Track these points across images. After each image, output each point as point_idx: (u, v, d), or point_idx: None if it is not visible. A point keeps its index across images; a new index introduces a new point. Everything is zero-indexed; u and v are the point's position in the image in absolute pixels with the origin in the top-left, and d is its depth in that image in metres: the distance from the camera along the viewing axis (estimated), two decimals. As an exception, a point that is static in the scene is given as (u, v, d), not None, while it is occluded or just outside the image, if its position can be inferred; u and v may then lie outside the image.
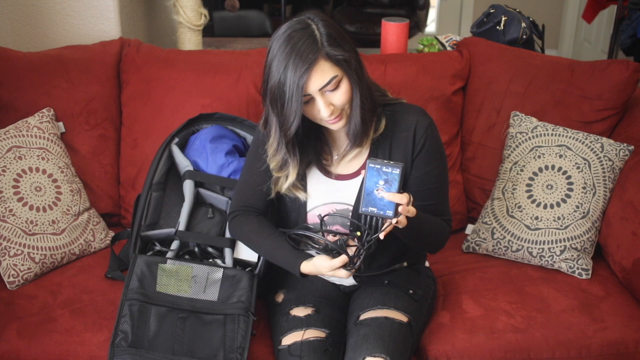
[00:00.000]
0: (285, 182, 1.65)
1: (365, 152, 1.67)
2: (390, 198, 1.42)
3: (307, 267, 1.60)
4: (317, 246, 1.60)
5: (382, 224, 1.46)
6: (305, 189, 1.69)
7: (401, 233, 1.55)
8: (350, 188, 1.68)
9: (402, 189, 1.47)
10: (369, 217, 1.47)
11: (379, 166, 1.43)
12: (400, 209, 1.44)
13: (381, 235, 1.47)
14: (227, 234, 1.88)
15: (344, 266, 1.53)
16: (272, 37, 1.53)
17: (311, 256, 1.59)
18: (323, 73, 1.49)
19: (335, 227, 1.70)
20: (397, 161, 1.51)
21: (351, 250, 1.53)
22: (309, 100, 1.52)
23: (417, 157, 1.65)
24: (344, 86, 1.52)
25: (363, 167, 1.67)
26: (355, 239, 1.51)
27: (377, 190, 1.43)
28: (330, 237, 1.58)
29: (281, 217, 1.78)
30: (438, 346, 1.74)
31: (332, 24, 1.53)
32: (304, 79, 1.46)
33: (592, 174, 2.01)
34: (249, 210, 1.75)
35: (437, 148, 1.67)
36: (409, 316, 1.68)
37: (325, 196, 1.69)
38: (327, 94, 1.52)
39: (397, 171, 1.42)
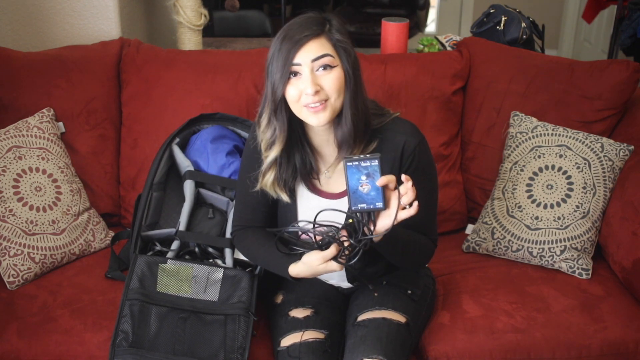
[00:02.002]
0: (271, 154, 1.60)
1: None
2: (378, 183, 1.40)
3: (297, 268, 1.57)
4: (307, 240, 1.56)
5: (375, 219, 1.45)
6: (289, 195, 1.66)
7: (383, 248, 1.52)
8: (340, 207, 1.63)
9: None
10: (361, 214, 1.45)
11: (356, 163, 1.42)
12: (391, 186, 1.41)
13: (383, 224, 1.43)
14: (228, 234, 1.88)
15: (335, 258, 1.48)
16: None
17: (299, 258, 1.56)
18: (320, 46, 1.50)
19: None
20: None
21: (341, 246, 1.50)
22: (297, 73, 1.50)
23: None
24: (337, 72, 1.51)
25: None
26: (347, 231, 1.48)
27: (361, 186, 1.42)
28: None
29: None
30: (438, 346, 1.74)
31: (344, 25, 1.56)
32: (299, 44, 1.48)
33: (592, 174, 2.01)
34: (246, 227, 1.75)
35: (425, 168, 1.64)
36: (407, 316, 1.68)
37: (318, 216, 1.67)
38: (318, 73, 1.50)
39: (376, 162, 1.41)
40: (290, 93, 1.52)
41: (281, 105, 1.54)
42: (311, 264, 1.52)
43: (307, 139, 1.64)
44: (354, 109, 1.54)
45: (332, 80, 1.50)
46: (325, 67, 1.50)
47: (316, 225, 1.49)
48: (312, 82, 1.49)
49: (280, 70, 1.49)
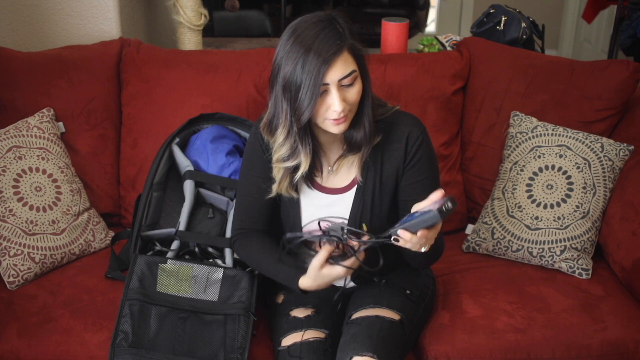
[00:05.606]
0: (297, 174, 1.60)
1: (356, 165, 1.65)
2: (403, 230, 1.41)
3: (305, 281, 1.57)
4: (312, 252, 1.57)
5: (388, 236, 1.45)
6: (295, 191, 1.66)
7: (409, 256, 1.56)
8: (343, 202, 1.66)
9: (394, 199, 1.48)
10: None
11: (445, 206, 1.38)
12: (399, 233, 1.43)
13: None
14: (228, 234, 1.88)
15: (334, 260, 1.48)
16: (289, 26, 1.50)
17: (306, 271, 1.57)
18: (346, 64, 1.47)
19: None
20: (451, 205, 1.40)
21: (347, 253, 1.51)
22: (322, 92, 1.48)
23: (408, 167, 1.64)
24: (358, 84, 1.51)
25: (355, 180, 1.66)
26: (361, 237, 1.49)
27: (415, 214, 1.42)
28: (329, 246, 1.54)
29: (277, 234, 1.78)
30: (438, 346, 1.74)
31: (351, 23, 1.53)
32: (326, 65, 1.44)
33: (592, 174, 2.01)
34: (247, 232, 1.74)
35: (428, 158, 1.65)
36: (402, 314, 1.67)
37: (319, 210, 1.67)
38: (343, 88, 1.49)
39: (425, 216, 1.38)
40: (318, 108, 1.50)
41: (305, 125, 1.53)
42: (312, 272, 1.53)
43: (314, 138, 1.64)
44: (369, 114, 1.56)
45: (354, 94, 1.51)
46: (350, 83, 1.50)
47: (321, 226, 1.49)
48: (339, 100, 1.47)
49: (311, 93, 1.45)
